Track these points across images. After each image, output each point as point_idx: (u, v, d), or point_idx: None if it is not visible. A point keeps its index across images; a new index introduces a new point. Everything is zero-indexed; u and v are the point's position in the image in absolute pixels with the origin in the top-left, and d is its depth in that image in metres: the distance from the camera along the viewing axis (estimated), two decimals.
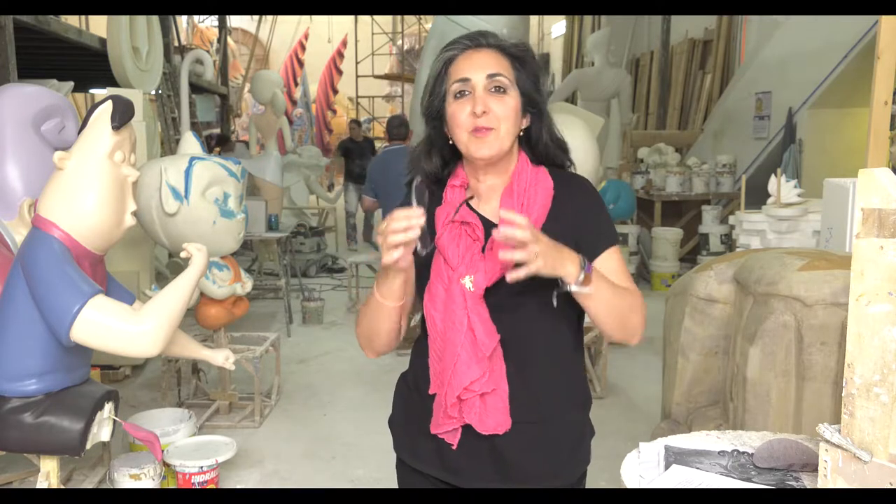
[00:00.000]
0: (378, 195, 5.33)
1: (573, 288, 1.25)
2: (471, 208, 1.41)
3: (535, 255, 1.18)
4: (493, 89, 1.34)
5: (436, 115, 1.41)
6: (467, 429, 1.36)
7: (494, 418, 1.34)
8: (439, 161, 1.45)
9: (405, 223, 1.19)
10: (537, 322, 1.36)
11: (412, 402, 1.47)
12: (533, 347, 1.37)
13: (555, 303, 1.28)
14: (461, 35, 1.41)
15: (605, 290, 1.31)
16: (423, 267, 1.41)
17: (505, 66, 1.36)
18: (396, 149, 5.59)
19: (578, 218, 1.40)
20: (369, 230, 9.84)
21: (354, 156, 9.50)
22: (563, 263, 1.23)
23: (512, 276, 1.20)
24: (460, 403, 1.34)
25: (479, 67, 1.35)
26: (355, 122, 10.26)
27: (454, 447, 1.38)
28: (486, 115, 1.33)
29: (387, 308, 1.36)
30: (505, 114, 1.35)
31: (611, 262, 1.41)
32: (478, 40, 1.38)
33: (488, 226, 1.38)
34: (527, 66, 1.39)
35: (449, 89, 1.37)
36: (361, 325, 1.45)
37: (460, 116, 1.35)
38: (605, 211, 1.45)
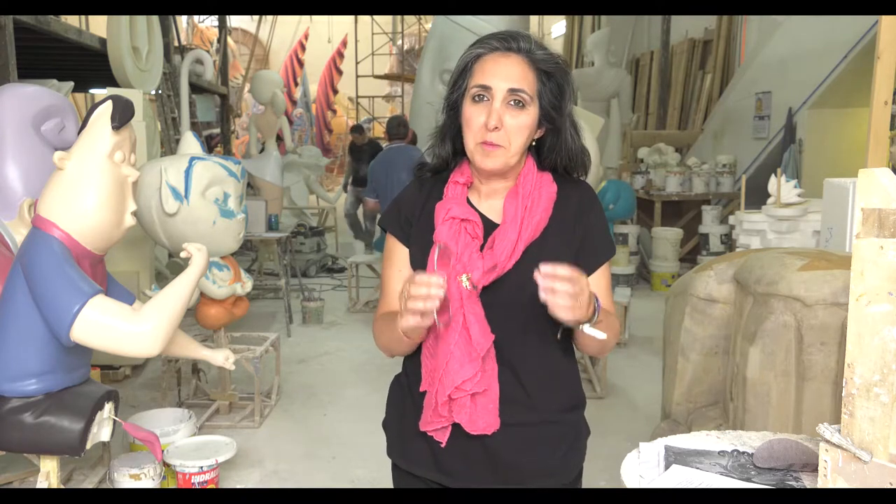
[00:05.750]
0: (379, 195, 5.34)
1: (586, 328, 1.25)
2: (471, 206, 1.41)
3: (578, 305, 1.18)
4: (511, 103, 1.33)
5: (453, 105, 1.40)
6: (457, 427, 1.35)
7: (484, 419, 1.33)
8: (451, 147, 1.44)
9: (425, 290, 1.17)
10: (531, 322, 1.36)
11: (406, 404, 1.47)
12: (526, 348, 1.37)
13: (557, 336, 1.33)
14: (493, 34, 1.38)
15: (606, 328, 1.32)
16: (419, 262, 1.41)
17: (529, 79, 1.34)
18: (397, 147, 5.60)
19: (580, 227, 1.40)
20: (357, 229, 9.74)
21: (354, 159, 9.35)
22: (589, 303, 1.24)
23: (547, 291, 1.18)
24: (450, 402, 1.33)
25: (502, 77, 1.32)
26: (354, 129, 9.90)
27: (443, 445, 1.37)
28: (497, 132, 1.32)
29: (409, 341, 1.35)
30: (518, 130, 1.33)
31: (603, 278, 1.42)
32: (508, 43, 1.35)
33: (488, 224, 1.38)
34: (553, 80, 1.36)
35: (469, 90, 1.35)
36: (380, 341, 1.44)
37: (474, 122, 1.34)
38: (605, 220, 1.46)
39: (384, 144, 7.66)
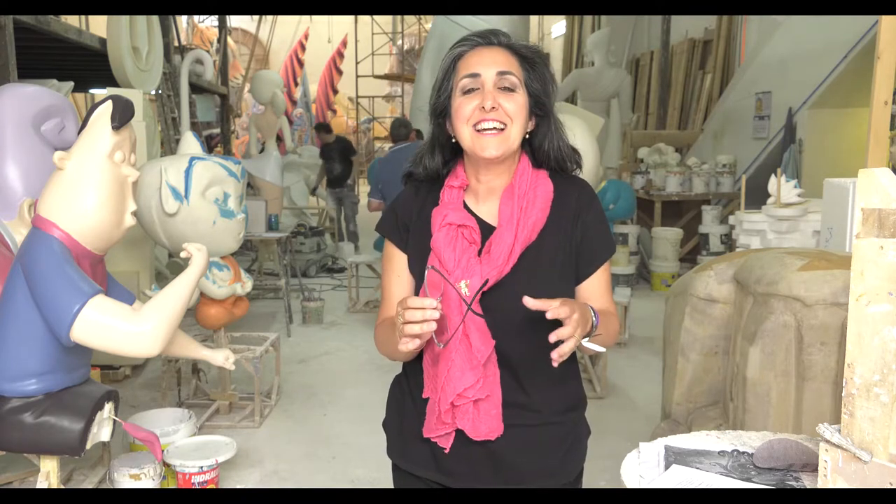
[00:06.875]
0: (385, 196, 5.34)
1: (585, 342, 1.26)
2: (469, 210, 1.40)
3: (579, 331, 1.19)
4: (502, 87, 1.33)
5: (441, 111, 1.40)
6: (460, 432, 1.35)
7: (487, 424, 1.33)
8: (441, 159, 1.44)
9: (420, 315, 1.16)
10: (532, 326, 1.35)
11: (406, 406, 1.46)
12: (527, 351, 1.35)
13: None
14: (472, 32, 1.39)
15: (604, 334, 1.32)
16: (417, 267, 1.41)
17: (515, 65, 1.35)
18: (401, 148, 5.64)
19: (578, 227, 1.39)
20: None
21: (325, 159, 9.13)
22: (586, 323, 1.24)
23: (560, 357, 1.19)
24: (453, 409, 1.33)
25: (489, 64, 1.33)
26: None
27: (447, 451, 1.37)
28: (495, 112, 1.31)
29: (407, 354, 1.34)
30: (515, 111, 1.33)
31: (603, 277, 1.42)
32: (489, 38, 1.37)
33: (485, 228, 1.37)
34: (537, 68, 1.37)
35: (457, 85, 1.35)
36: (383, 350, 1.44)
37: (465, 110, 1.33)
38: (604, 218, 1.45)
39: (389, 146, 7.68)
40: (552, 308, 1.16)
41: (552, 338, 1.17)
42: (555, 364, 1.19)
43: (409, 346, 1.20)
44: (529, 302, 1.17)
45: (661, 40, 10.17)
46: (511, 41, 1.37)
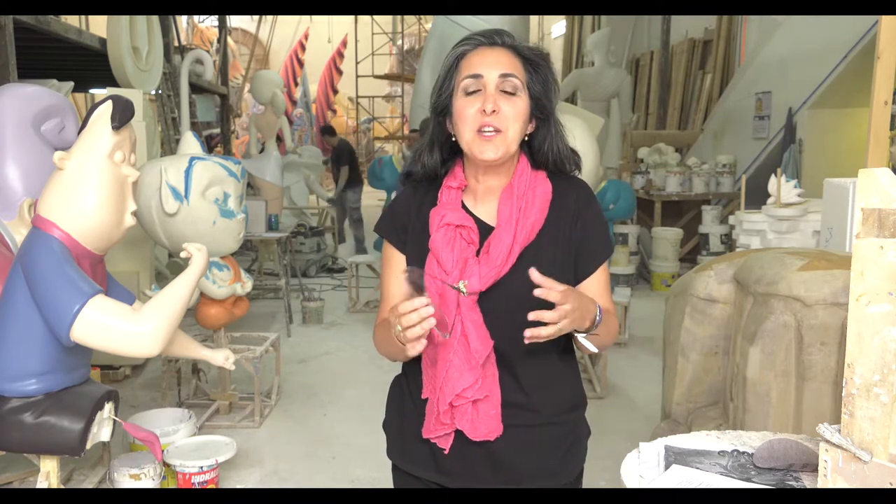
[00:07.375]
0: None
1: (580, 338, 1.26)
2: (467, 211, 1.40)
3: (567, 322, 1.18)
4: (503, 90, 1.32)
5: (442, 109, 1.39)
6: (460, 433, 1.35)
7: (486, 424, 1.33)
8: (439, 157, 1.43)
9: (417, 316, 1.17)
10: (529, 325, 1.35)
11: (406, 407, 1.46)
12: (525, 351, 1.34)
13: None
14: (476, 31, 1.39)
15: (603, 334, 1.33)
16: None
17: (518, 67, 1.34)
18: None
19: (577, 226, 1.39)
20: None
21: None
22: (584, 318, 1.23)
23: (532, 337, 1.19)
24: (452, 410, 1.33)
25: (492, 65, 1.33)
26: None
27: (446, 452, 1.37)
28: (495, 115, 1.31)
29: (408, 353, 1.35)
30: (514, 115, 1.33)
31: (602, 276, 1.42)
32: (493, 38, 1.36)
33: (483, 229, 1.37)
34: (540, 70, 1.37)
35: (458, 85, 1.35)
36: (382, 350, 1.43)
37: (468, 113, 1.33)
38: (603, 218, 1.45)
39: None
40: (547, 287, 1.17)
41: (531, 316, 1.17)
42: (526, 341, 1.19)
43: (417, 347, 1.21)
44: (536, 275, 1.17)
45: (661, 40, 10.16)
46: (515, 42, 1.37)
